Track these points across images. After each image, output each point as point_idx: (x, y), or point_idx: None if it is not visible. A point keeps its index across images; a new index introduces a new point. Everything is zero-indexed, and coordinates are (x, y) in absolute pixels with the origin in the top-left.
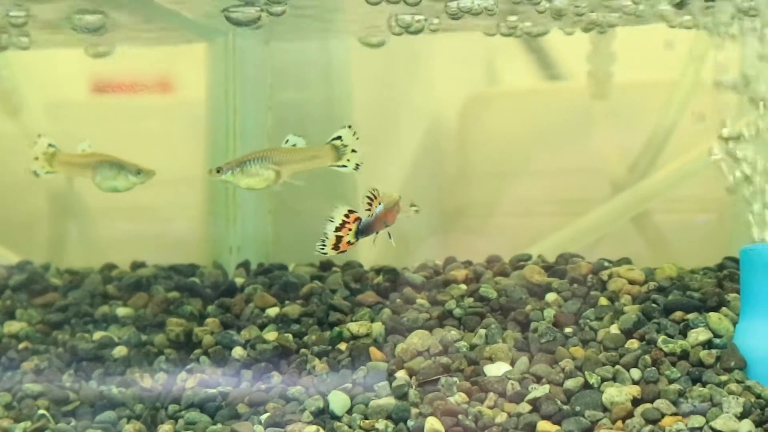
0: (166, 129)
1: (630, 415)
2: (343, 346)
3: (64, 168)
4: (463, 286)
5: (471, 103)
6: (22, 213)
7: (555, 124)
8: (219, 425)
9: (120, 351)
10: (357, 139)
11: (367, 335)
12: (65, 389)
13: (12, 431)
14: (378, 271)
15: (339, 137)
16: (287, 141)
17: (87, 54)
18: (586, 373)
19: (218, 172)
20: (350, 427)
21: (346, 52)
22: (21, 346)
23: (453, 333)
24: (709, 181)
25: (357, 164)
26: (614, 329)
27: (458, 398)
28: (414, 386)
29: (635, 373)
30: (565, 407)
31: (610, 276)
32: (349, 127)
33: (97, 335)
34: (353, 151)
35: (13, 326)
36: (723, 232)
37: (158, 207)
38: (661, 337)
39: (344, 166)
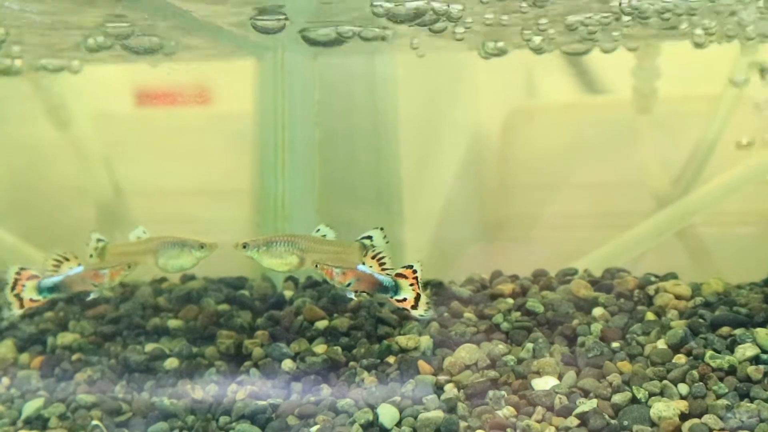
0: (212, 142)
1: (678, 430)
2: (391, 359)
3: (117, 258)
4: (510, 300)
5: (514, 116)
6: (70, 224)
7: (597, 137)
8: None
9: (171, 363)
10: (387, 242)
11: (416, 348)
12: (118, 400)
13: None
14: (425, 284)
15: (369, 237)
16: (318, 230)
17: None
18: (633, 387)
19: (244, 247)
20: None
21: (393, 67)
22: (74, 357)
23: (500, 347)
24: (755, 194)
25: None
26: (661, 344)
27: (506, 412)
28: (462, 399)
29: (683, 388)
30: (612, 422)
31: (656, 291)
32: (381, 229)
33: (149, 347)
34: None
35: (66, 338)
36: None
37: (205, 219)
38: (708, 353)
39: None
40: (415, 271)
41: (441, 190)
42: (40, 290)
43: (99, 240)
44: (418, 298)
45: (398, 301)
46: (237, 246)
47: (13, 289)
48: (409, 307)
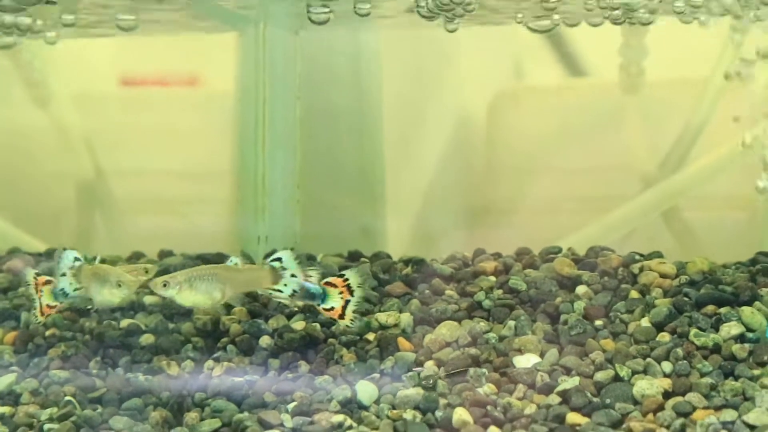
0: (193, 121)
1: (661, 408)
2: (371, 336)
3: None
4: (493, 278)
5: (500, 98)
6: (50, 204)
7: (584, 120)
8: (246, 413)
9: (147, 338)
10: (299, 263)
11: (396, 326)
12: (92, 376)
13: (38, 417)
14: (407, 262)
15: (279, 259)
16: (231, 261)
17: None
18: (616, 365)
19: (164, 286)
20: (378, 416)
21: (376, 43)
22: (48, 332)
23: (482, 324)
24: (740, 178)
25: (294, 291)
26: (645, 322)
27: (487, 389)
28: (442, 377)
29: (666, 366)
30: (595, 399)
31: (641, 269)
32: (292, 249)
33: (125, 323)
34: (293, 275)
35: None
36: (753, 230)
37: (186, 199)
38: (692, 331)
39: (280, 290)
40: (346, 280)
41: (425, 171)
42: (56, 295)
43: (76, 259)
44: (345, 306)
45: (325, 309)
46: (156, 285)
47: None
48: (336, 317)
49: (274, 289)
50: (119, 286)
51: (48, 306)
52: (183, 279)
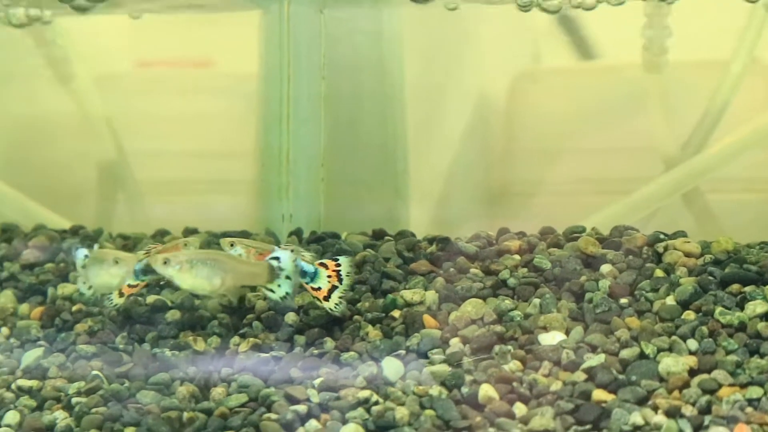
0: (217, 100)
1: (687, 385)
2: (396, 313)
3: None
4: (517, 257)
5: (520, 79)
6: (73, 184)
7: (606, 101)
8: (272, 389)
9: (173, 314)
10: (296, 266)
11: (421, 303)
12: (119, 351)
13: (66, 391)
14: (431, 240)
15: (277, 258)
16: (234, 250)
17: None
18: (642, 343)
19: (165, 263)
20: (404, 392)
21: (399, 24)
22: (74, 308)
23: (507, 302)
24: (762, 160)
25: (286, 293)
26: (670, 300)
27: (513, 366)
28: (468, 354)
29: (692, 343)
30: (620, 377)
31: (665, 248)
32: (292, 251)
33: (150, 299)
34: (287, 278)
35: (66, 288)
36: None
37: (209, 179)
38: (718, 309)
39: (272, 290)
40: (338, 264)
41: (447, 151)
42: (136, 275)
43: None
44: (332, 290)
45: (313, 288)
46: (157, 261)
47: None
48: (321, 298)
49: (268, 288)
50: (116, 263)
51: (129, 286)
52: (185, 259)
